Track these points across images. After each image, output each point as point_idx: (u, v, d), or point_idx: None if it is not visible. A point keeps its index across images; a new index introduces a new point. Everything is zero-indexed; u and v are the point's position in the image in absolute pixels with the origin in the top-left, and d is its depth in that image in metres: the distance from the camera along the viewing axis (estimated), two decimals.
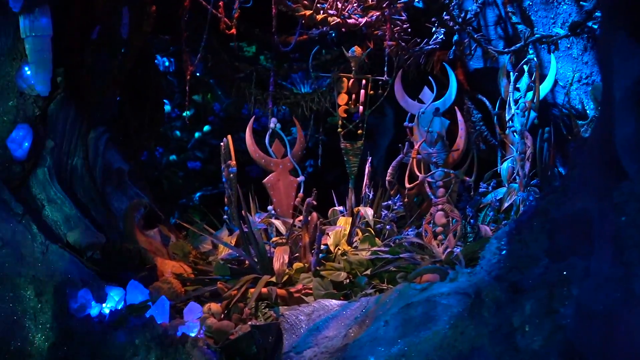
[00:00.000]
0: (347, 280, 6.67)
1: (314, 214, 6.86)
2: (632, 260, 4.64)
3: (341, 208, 7.62)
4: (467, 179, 7.22)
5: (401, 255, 6.70)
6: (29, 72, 6.83)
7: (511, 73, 7.76)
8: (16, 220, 6.75)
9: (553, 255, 5.28)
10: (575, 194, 5.19)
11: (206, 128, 12.67)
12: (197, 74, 10.54)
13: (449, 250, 6.67)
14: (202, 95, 12.33)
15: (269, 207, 7.80)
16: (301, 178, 7.93)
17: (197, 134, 12.76)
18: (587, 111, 7.71)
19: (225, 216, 7.80)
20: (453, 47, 8.35)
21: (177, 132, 12.82)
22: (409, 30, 7.78)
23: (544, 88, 7.69)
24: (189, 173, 12.91)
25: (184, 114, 11.03)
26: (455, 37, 8.33)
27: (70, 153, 7.31)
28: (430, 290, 5.72)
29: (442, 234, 6.95)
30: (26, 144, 6.88)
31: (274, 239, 7.39)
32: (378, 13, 7.35)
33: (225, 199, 7.79)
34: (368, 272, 6.68)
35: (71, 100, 7.22)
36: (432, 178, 7.16)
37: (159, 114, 8.37)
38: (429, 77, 8.04)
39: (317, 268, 6.70)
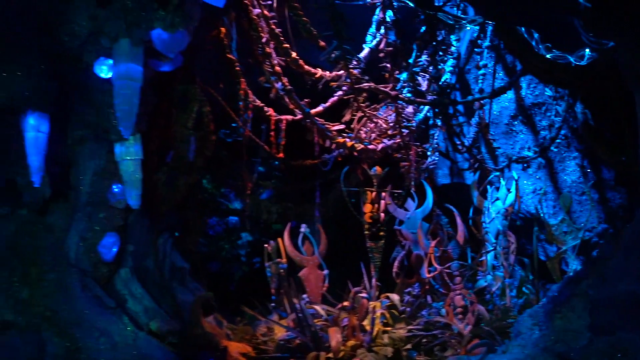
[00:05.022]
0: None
1: (364, 301, 6.30)
2: None
3: (365, 294, 7.00)
4: (480, 268, 6.83)
5: (433, 332, 6.16)
6: (116, 190, 6.10)
7: (488, 187, 7.43)
8: (109, 312, 5.99)
9: (596, 330, 4.89)
10: (618, 279, 4.82)
11: None
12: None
13: (470, 326, 6.15)
14: None
15: (304, 295, 7.18)
16: (326, 271, 7.39)
17: None
18: (542, 215, 7.39)
19: (272, 304, 7.14)
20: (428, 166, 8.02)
21: None
22: (421, 152, 7.43)
23: (510, 197, 7.37)
24: None
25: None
26: (431, 159, 8.00)
27: (144, 255, 6.60)
28: None
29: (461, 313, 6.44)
30: (114, 249, 6.19)
31: (315, 321, 6.72)
32: (398, 140, 6.97)
33: (273, 290, 7.16)
34: (409, 346, 6.10)
35: (146, 212, 6.52)
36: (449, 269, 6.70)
37: (201, 223, 7.70)
38: (410, 190, 7.74)
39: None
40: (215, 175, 9.75)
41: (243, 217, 9.69)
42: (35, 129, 5.67)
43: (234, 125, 8.64)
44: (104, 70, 5.84)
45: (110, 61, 5.80)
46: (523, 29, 6.26)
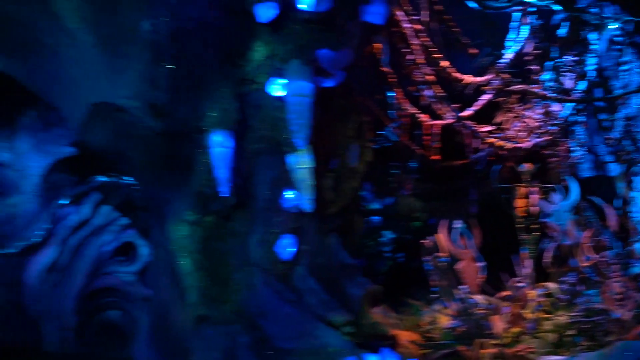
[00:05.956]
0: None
1: (524, 290, 6.24)
2: None
3: (523, 284, 6.91)
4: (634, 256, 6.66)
5: (594, 319, 6.03)
6: (290, 196, 6.32)
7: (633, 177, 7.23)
8: (290, 305, 6.19)
9: None
10: None
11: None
12: None
13: (631, 312, 5.99)
14: None
15: (461, 287, 7.16)
16: (482, 263, 7.34)
17: None
18: None
19: (434, 295, 7.18)
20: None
21: None
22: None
23: None
24: None
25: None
26: (574, 154, 7.84)
27: (316, 254, 6.79)
28: None
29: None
30: (291, 249, 6.39)
31: (476, 310, 6.70)
32: (546, 137, 6.90)
33: (436, 282, 7.20)
34: (572, 332, 5.99)
35: (316, 215, 6.71)
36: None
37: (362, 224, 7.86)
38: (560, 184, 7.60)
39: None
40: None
41: (390, 215, 9.77)
42: (221, 145, 6.03)
43: (380, 132, 8.77)
44: (276, 89, 6.13)
45: (282, 81, 6.07)
46: None
